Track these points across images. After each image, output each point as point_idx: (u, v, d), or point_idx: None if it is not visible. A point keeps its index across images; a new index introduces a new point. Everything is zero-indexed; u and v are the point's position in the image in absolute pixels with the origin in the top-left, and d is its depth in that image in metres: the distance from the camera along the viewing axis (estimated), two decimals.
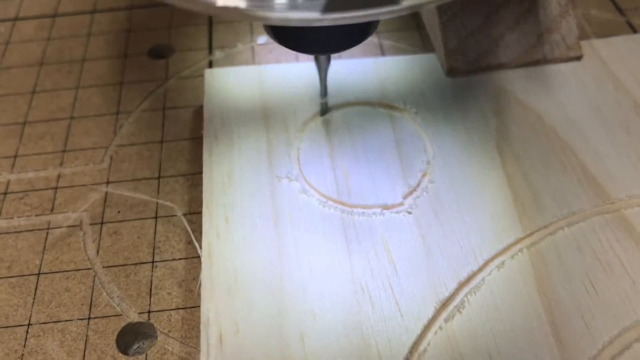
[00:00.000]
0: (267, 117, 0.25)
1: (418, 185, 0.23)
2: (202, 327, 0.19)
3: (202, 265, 0.21)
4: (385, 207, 0.22)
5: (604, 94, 0.26)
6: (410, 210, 0.22)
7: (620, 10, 0.31)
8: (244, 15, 0.17)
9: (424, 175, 0.23)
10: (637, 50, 0.27)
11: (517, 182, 0.23)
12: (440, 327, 0.19)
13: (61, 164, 0.26)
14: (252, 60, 0.29)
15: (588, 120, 0.25)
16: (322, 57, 0.23)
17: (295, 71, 0.27)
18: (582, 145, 0.24)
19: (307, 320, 0.19)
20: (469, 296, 0.20)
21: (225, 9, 0.17)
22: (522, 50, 0.26)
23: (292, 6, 0.16)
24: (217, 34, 0.31)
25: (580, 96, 0.26)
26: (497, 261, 0.21)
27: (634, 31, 0.30)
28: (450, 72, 0.26)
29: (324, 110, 0.25)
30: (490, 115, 0.25)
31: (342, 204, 0.22)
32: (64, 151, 0.26)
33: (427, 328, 0.19)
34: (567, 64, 0.27)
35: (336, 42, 0.21)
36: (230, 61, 0.29)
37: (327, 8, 0.16)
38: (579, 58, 0.27)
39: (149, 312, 0.21)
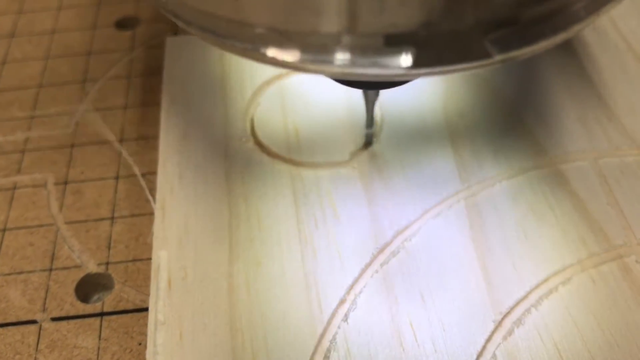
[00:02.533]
0: (225, 81, 0.26)
1: (365, 144, 0.24)
2: (152, 273, 0.21)
3: (155, 217, 0.22)
4: (333, 164, 0.23)
5: (549, 59, 0.27)
6: (355, 166, 0.23)
7: None
8: (336, 73, 0.16)
9: (371, 135, 0.24)
10: None
11: (460, 140, 0.24)
12: (377, 271, 0.20)
13: (29, 129, 0.27)
14: None
15: (532, 83, 0.26)
16: (371, 92, 0.22)
17: None
18: (524, 106, 0.25)
19: (252, 268, 0.21)
20: (405, 243, 0.21)
21: (315, 68, 0.16)
22: None
23: (374, 63, 0.15)
24: None
25: (527, 61, 0.27)
26: (434, 211, 0.22)
27: None
28: None
29: (370, 140, 0.24)
30: (441, 78, 0.26)
31: (292, 161, 0.23)
32: (32, 117, 0.27)
33: (363, 272, 0.20)
34: None
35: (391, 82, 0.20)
36: None
37: (415, 64, 0.15)
38: None
39: (107, 263, 0.23)
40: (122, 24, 0.31)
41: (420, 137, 0.24)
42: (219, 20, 0.16)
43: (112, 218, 0.24)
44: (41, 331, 0.21)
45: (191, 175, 0.23)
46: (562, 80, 0.26)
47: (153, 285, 0.20)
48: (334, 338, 0.19)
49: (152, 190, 0.24)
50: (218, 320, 0.19)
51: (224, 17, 0.16)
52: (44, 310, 0.22)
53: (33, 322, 0.21)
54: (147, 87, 0.28)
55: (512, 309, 0.20)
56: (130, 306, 0.21)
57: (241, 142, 0.24)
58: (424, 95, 0.25)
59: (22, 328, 0.21)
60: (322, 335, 0.19)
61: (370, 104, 0.23)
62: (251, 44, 0.16)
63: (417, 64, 0.15)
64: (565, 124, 0.24)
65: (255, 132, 0.24)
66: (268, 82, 0.26)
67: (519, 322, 0.19)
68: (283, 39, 0.15)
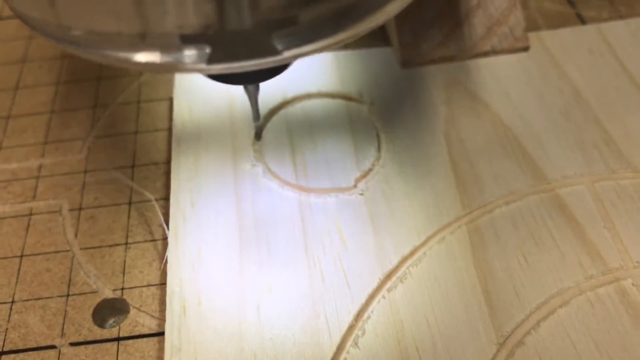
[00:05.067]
0: (232, 108, 0.27)
1: (370, 170, 0.25)
2: (167, 299, 0.21)
3: (169, 244, 0.23)
4: (339, 190, 0.24)
5: (548, 82, 0.28)
6: (361, 192, 0.24)
7: (571, 3, 0.33)
8: (153, 67, 0.18)
9: (375, 161, 0.25)
10: (581, 41, 0.29)
11: (461, 166, 0.25)
12: (384, 297, 0.21)
13: (42, 155, 0.28)
14: None
15: (531, 108, 0.27)
16: (251, 87, 0.24)
17: None
18: (523, 131, 0.26)
19: (263, 292, 0.21)
20: (410, 268, 0.22)
21: (127, 61, 0.18)
22: (472, 43, 0.28)
23: (179, 59, 0.18)
24: None
25: (525, 85, 0.27)
26: (438, 237, 0.23)
27: (583, 23, 0.32)
28: (404, 64, 0.28)
29: (259, 133, 0.26)
30: (440, 104, 0.27)
31: (300, 187, 0.24)
32: (45, 143, 0.28)
33: (371, 297, 0.21)
34: (514, 54, 0.29)
35: (261, 75, 0.22)
36: None
37: (210, 60, 0.18)
38: (526, 49, 0.29)
39: (122, 289, 0.23)
40: None
41: (422, 163, 0.25)
42: (44, 23, 0.19)
43: (126, 244, 0.25)
44: (60, 356, 0.22)
45: (203, 202, 0.24)
46: (561, 103, 0.27)
47: (168, 312, 0.21)
48: None
49: (165, 216, 0.25)
50: (231, 346, 0.20)
51: (47, 20, 0.18)
52: (62, 335, 0.22)
53: (52, 347, 0.22)
54: (156, 112, 0.29)
55: (513, 331, 0.20)
56: (145, 331, 0.22)
57: (252, 168, 0.25)
58: (425, 121, 0.26)
59: (41, 353, 0.22)
60: None
61: (252, 99, 0.24)
62: (76, 45, 0.18)
63: (213, 60, 0.17)
64: (564, 148, 0.25)
65: (264, 160, 0.25)
66: (274, 110, 0.27)
67: (519, 344, 0.20)
68: (100, 40, 0.18)
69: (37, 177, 0.27)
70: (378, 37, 0.31)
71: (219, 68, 0.18)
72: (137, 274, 0.24)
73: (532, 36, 0.29)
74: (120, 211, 0.26)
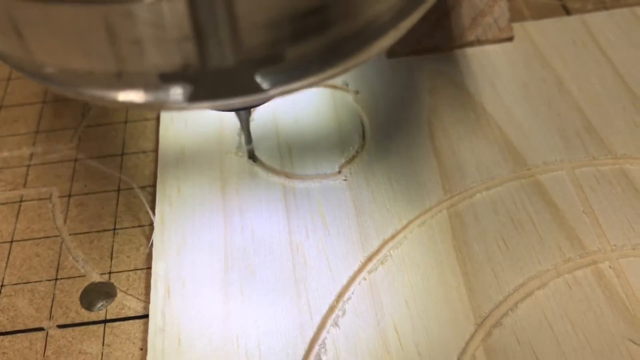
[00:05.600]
0: None
1: (354, 157, 0.25)
2: (152, 282, 0.22)
3: (155, 229, 0.23)
4: (324, 176, 0.25)
5: (531, 72, 0.28)
6: (345, 178, 0.24)
7: None
8: (131, 106, 0.18)
9: (359, 148, 0.25)
10: (565, 31, 0.30)
11: (444, 153, 0.25)
12: (364, 278, 0.22)
13: (34, 144, 0.28)
14: None
15: (514, 97, 0.27)
16: (242, 112, 0.24)
17: None
18: (506, 119, 0.26)
19: (246, 276, 0.22)
20: (391, 251, 0.22)
21: (102, 99, 0.18)
22: (457, 33, 0.29)
23: (159, 98, 0.17)
24: None
25: (509, 75, 0.28)
26: (419, 221, 0.23)
27: (568, 14, 0.32)
28: (390, 54, 0.29)
29: (252, 156, 0.26)
30: (425, 93, 0.27)
31: (285, 173, 0.25)
32: (36, 132, 0.29)
33: (352, 279, 0.21)
34: (499, 45, 0.29)
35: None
36: None
37: (192, 98, 0.17)
38: (510, 39, 0.29)
39: (110, 273, 0.24)
40: None
41: (406, 151, 0.25)
42: (16, 59, 0.18)
43: (114, 229, 0.25)
44: (48, 338, 0.22)
45: (188, 187, 0.24)
46: (543, 92, 0.27)
47: (153, 293, 0.21)
48: (323, 342, 0.20)
49: (152, 202, 0.25)
50: (214, 327, 0.21)
51: (18, 57, 0.17)
52: (50, 318, 0.23)
53: (40, 329, 0.22)
54: None
55: (491, 312, 0.21)
56: (131, 313, 0.23)
57: (237, 156, 0.25)
58: (409, 110, 0.26)
59: (30, 335, 0.22)
60: (313, 340, 0.20)
61: (244, 123, 0.24)
62: (49, 81, 0.18)
63: (195, 98, 0.17)
64: (545, 136, 0.26)
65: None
66: None
67: (497, 324, 0.20)
68: (74, 78, 0.17)
69: (28, 165, 0.27)
70: None
71: (202, 106, 0.17)
72: (124, 258, 0.24)
73: (517, 27, 0.30)
74: (109, 198, 0.26)
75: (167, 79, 0.16)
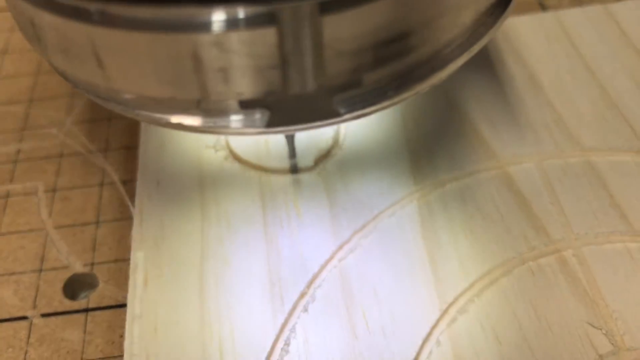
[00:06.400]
0: None
1: (329, 150, 0.26)
2: (130, 272, 0.23)
3: (134, 220, 0.24)
4: (299, 169, 0.25)
5: (504, 68, 0.29)
6: (320, 171, 0.25)
7: None
8: (205, 130, 0.18)
9: (334, 142, 0.26)
10: (539, 27, 0.30)
11: (416, 146, 0.26)
12: (335, 266, 0.22)
13: (20, 141, 0.29)
14: None
15: (486, 91, 0.28)
16: None
17: None
18: (477, 113, 0.27)
19: (221, 267, 0.23)
20: (361, 240, 0.23)
21: (180, 125, 0.18)
22: None
23: (235, 124, 0.17)
24: None
25: (481, 70, 0.29)
26: (389, 211, 0.24)
27: (544, 10, 0.33)
28: None
29: (295, 169, 0.25)
30: None
31: (261, 168, 0.25)
32: (23, 129, 0.29)
33: (322, 267, 0.22)
34: None
35: None
36: None
37: (269, 124, 0.17)
38: None
39: (93, 264, 0.25)
40: None
41: (379, 144, 0.26)
42: (91, 85, 0.18)
43: (97, 222, 0.26)
44: (32, 326, 0.23)
45: (168, 181, 0.25)
46: (514, 87, 0.28)
47: (131, 282, 0.22)
48: (293, 327, 0.21)
49: (133, 196, 0.26)
50: (189, 314, 0.21)
51: (95, 83, 0.18)
52: (34, 307, 0.24)
53: (24, 318, 0.23)
54: None
55: (456, 299, 0.21)
56: (112, 302, 0.23)
57: (215, 150, 0.26)
58: None
59: (14, 324, 0.23)
60: (284, 325, 0.21)
61: (289, 138, 0.24)
62: (124, 107, 0.18)
63: (272, 124, 0.17)
64: (515, 129, 0.26)
65: (228, 141, 0.26)
66: None
67: (462, 310, 0.21)
68: (152, 104, 0.17)
69: (15, 161, 0.28)
70: None
71: (277, 130, 0.17)
72: (106, 250, 0.25)
73: None
74: (93, 192, 0.27)
75: (247, 105, 0.17)
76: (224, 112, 0.17)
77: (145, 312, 0.21)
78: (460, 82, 0.28)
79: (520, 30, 0.30)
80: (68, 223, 0.26)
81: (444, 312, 0.21)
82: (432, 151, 0.26)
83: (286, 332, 0.21)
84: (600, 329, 0.21)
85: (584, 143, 0.26)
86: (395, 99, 0.18)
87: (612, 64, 0.29)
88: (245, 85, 0.16)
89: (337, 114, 0.17)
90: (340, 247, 0.23)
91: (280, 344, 0.21)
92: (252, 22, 0.15)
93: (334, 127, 0.27)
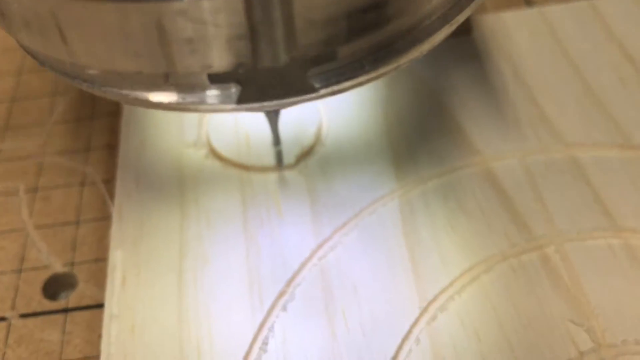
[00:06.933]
0: None
1: (311, 148, 0.26)
2: (109, 270, 0.22)
3: (113, 220, 0.24)
4: (280, 167, 0.25)
5: (488, 64, 0.29)
6: (301, 169, 0.25)
7: None
8: (175, 107, 0.17)
9: (316, 139, 0.26)
10: (523, 23, 0.30)
11: (398, 143, 0.26)
12: (315, 264, 0.22)
13: (2, 141, 0.29)
14: None
15: (470, 88, 0.28)
16: (271, 112, 0.23)
17: None
18: (461, 109, 0.27)
19: (200, 264, 0.22)
20: (342, 238, 0.23)
21: (148, 102, 0.17)
22: None
23: (205, 99, 0.17)
24: None
25: (465, 66, 0.28)
26: (370, 209, 0.23)
27: (529, 6, 0.32)
28: None
29: (280, 157, 0.25)
30: (382, 85, 0.28)
31: (243, 165, 0.25)
32: (5, 129, 0.29)
33: (302, 266, 0.22)
34: (457, 37, 0.29)
35: None
36: None
37: (241, 100, 0.16)
38: (468, 32, 0.30)
39: (73, 263, 0.24)
40: None
41: (361, 141, 0.26)
42: (56, 61, 0.17)
43: (78, 222, 0.26)
44: (10, 327, 0.23)
45: (147, 180, 0.25)
46: (499, 83, 0.28)
47: (109, 281, 0.22)
48: (272, 327, 0.21)
49: (114, 196, 0.26)
50: (167, 313, 0.21)
51: (61, 59, 0.17)
52: (13, 308, 0.23)
53: (3, 319, 0.23)
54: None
55: (437, 296, 0.21)
56: (92, 302, 0.23)
57: (195, 148, 0.26)
58: (366, 101, 0.27)
59: None
60: (262, 324, 0.21)
61: (273, 124, 0.24)
62: (90, 83, 0.17)
63: (243, 99, 0.16)
64: (499, 125, 0.26)
65: (209, 139, 0.26)
66: None
67: (442, 308, 0.21)
68: (118, 79, 0.17)
69: None
70: None
71: (250, 107, 0.17)
72: (87, 249, 0.25)
73: (476, 19, 0.30)
74: (74, 192, 0.27)
75: (216, 79, 0.16)
76: (193, 87, 0.16)
77: (122, 312, 0.21)
78: (444, 78, 0.28)
79: (504, 25, 0.30)
80: (49, 223, 0.26)
81: (424, 310, 0.21)
82: (414, 148, 0.25)
83: (264, 332, 0.21)
84: (581, 326, 0.20)
85: (568, 139, 0.26)
86: (373, 74, 0.17)
87: (596, 60, 0.28)
88: (213, 57, 0.15)
89: (313, 89, 0.17)
90: (321, 245, 0.23)
91: (258, 344, 0.20)
92: None
93: (316, 123, 0.26)
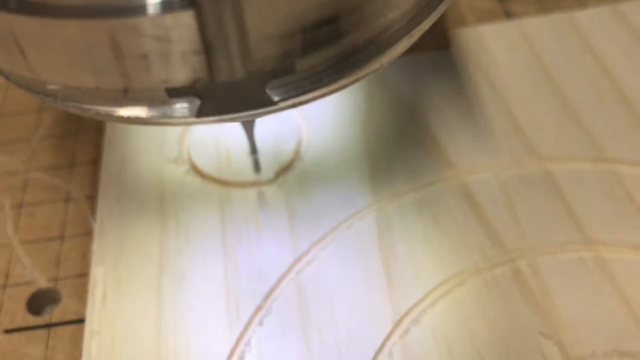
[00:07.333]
0: None
1: (290, 163, 0.26)
2: (90, 286, 0.23)
3: (94, 236, 0.24)
4: (259, 183, 0.26)
5: (465, 77, 0.29)
6: (280, 184, 0.25)
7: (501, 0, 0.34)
8: (137, 121, 0.17)
9: (295, 154, 0.26)
10: (501, 36, 0.31)
11: (376, 157, 0.26)
12: (292, 279, 0.23)
13: None
14: None
15: (447, 101, 0.28)
16: (247, 122, 0.24)
17: None
18: (437, 124, 0.27)
19: (179, 281, 0.23)
20: (319, 252, 0.23)
21: (109, 116, 0.17)
22: None
23: (166, 113, 0.17)
24: None
25: (443, 80, 0.29)
26: (347, 223, 0.24)
27: (510, 18, 0.33)
28: None
29: (257, 165, 0.26)
30: (362, 99, 0.28)
31: (222, 181, 0.26)
32: None
33: (280, 280, 0.23)
34: (437, 51, 0.30)
35: None
36: None
37: (200, 113, 0.17)
38: (447, 46, 0.30)
39: (57, 279, 0.25)
40: None
41: (339, 156, 0.26)
42: (18, 77, 0.18)
43: (62, 238, 0.26)
44: None
45: (128, 196, 0.25)
46: (475, 97, 0.28)
47: (90, 297, 0.23)
48: (249, 341, 0.21)
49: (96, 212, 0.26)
50: (146, 329, 0.22)
51: (21, 74, 0.17)
52: None
53: None
54: None
55: (410, 309, 0.22)
56: (75, 317, 0.24)
57: (176, 164, 0.26)
58: (345, 115, 0.28)
59: None
60: (239, 339, 0.21)
61: (249, 132, 0.24)
62: (53, 98, 0.18)
63: (202, 113, 0.16)
64: (475, 139, 0.27)
65: (190, 155, 0.27)
66: None
67: (415, 321, 0.22)
68: (79, 94, 0.17)
69: None
70: None
71: (211, 120, 0.17)
72: (70, 265, 0.25)
73: (455, 33, 0.31)
74: (58, 208, 0.27)
75: (175, 94, 0.16)
76: (152, 102, 0.16)
77: (103, 328, 0.22)
78: (422, 92, 0.28)
79: (483, 38, 0.31)
80: (34, 238, 0.26)
81: (397, 324, 0.21)
82: (391, 162, 0.26)
83: (241, 346, 0.21)
84: (551, 339, 0.21)
85: (542, 152, 0.26)
86: (332, 86, 0.17)
87: (572, 73, 0.29)
88: (169, 72, 0.16)
89: (271, 102, 0.17)
90: (299, 260, 0.23)
91: (234, 358, 0.21)
92: (168, 5, 0.15)
93: (296, 139, 0.27)
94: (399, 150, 0.26)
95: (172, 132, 0.27)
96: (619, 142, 0.26)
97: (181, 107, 0.17)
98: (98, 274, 0.23)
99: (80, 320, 0.24)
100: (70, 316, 0.24)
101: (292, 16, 0.15)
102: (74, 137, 0.30)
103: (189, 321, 0.22)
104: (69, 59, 0.16)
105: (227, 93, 0.16)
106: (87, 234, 0.26)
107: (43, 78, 0.17)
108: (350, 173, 0.26)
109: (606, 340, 0.21)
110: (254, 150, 0.25)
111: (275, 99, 0.17)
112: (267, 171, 0.26)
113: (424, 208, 0.24)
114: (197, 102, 0.16)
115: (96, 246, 0.24)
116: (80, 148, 0.29)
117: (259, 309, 0.22)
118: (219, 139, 0.27)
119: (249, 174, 0.26)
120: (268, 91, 0.17)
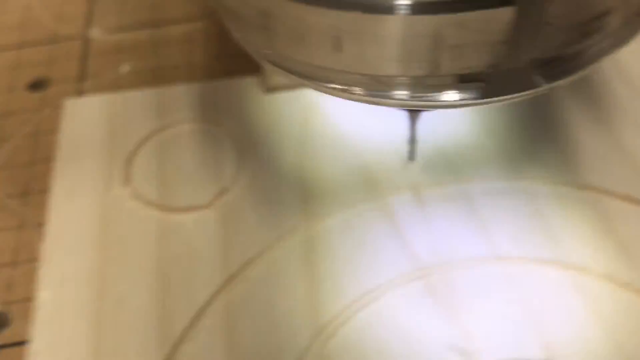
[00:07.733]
0: (112, 137, 0.30)
1: (227, 188, 0.28)
2: (36, 310, 0.25)
3: (42, 262, 0.26)
4: (196, 207, 0.27)
5: None
6: (215, 208, 0.27)
7: None
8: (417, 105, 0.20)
9: (232, 179, 0.28)
10: None
11: (308, 181, 0.28)
12: (221, 301, 0.24)
13: None
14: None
15: (374, 127, 0.30)
16: (414, 113, 0.25)
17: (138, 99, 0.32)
18: (366, 149, 0.29)
19: (115, 303, 0.25)
20: (248, 273, 0.25)
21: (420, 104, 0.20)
22: None
23: (450, 98, 0.19)
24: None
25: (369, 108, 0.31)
26: (277, 245, 0.26)
27: None
28: (269, 89, 0.31)
29: (412, 155, 0.27)
30: (296, 125, 0.30)
31: (162, 206, 0.28)
32: None
33: (208, 303, 0.24)
34: None
35: None
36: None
37: (483, 96, 0.19)
38: None
39: (9, 303, 0.27)
40: (35, 86, 0.35)
41: (274, 181, 0.28)
42: (319, 69, 0.20)
43: (14, 263, 0.28)
44: None
45: (73, 224, 0.27)
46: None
47: (35, 321, 0.24)
48: None
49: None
50: (85, 348, 0.23)
51: (325, 67, 0.20)
52: None
53: None
54: (53, 144, 0.32)
55: (326, 325, 0.24)
56: (24, 339, 0.26)
57: (121, 189, 0.28)
58: (281, 142, 0.29)
59: None
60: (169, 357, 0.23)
61: (413, 123, 0.26)
62: (347, 86, 0.20)
63: (484, 96, 0.19)
64: (396, 161, 0.28)
65: (133, 180, 0.28)
66: (148, 136, 0.30)
67: (331, 336, 0.23)
68: (377, 83, 0.19)
69: None
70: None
71: (485, 102, 0.19)
72: (21, 290, 0.27)
73: None
74: (12, 234, 0.29)
75: (466, 79, 0.18)
76: (440, 88, 0.19)
77: (45, 351, 0.24)
78: (352, 118, 0.30)
79: None
80: None
81: (314, 339, 0.23)
82: (322, 185, 0.28)
83: None
84: (457, 350, 0.23)
85: (463, 172, 0.28)
86: (585, 69, 0.20)
87: None
88: (475, 59, 0.18)
89: (536, 86, 0.19)
90: (229, 281, 0.25)
91: None
92: (490, 3, 0.17)
93: (233, 163, 0.29)
94: (329, 173, 0.28)
95: (120, 156, 0.29)
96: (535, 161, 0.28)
97: (466, 93, 0.19)
98: (44, 298, 0.25)
99: (27, 342, 0.25)
100: (19, 338, 0.26)
101: (583, 10, 0.18)
102: (28, 167, 0.31)
103: (125, 343, 0.23)
104: (387, 51, 0.18)
105: (504, 79, 0.19)
106: (37, 260, 0.28)
107: (350, 69, 0.19)
108: (282, 196, 0.27)
109: (508, 346, 0.23)
110: (413, 140, 0.27)
111: (540, 83, 0.19)
112: (204, 196, 0.28)
113: (349, 228, 0.26)
114: (481, 88, 0.19)
115: (43, 272, 0.26)
116: (34, 177, 0.31)
117: (187, 330, 0.24)
118: (161, 164, 0.29)
119: (186, 198, 0.28)
120: (535, 77, 0.19)
